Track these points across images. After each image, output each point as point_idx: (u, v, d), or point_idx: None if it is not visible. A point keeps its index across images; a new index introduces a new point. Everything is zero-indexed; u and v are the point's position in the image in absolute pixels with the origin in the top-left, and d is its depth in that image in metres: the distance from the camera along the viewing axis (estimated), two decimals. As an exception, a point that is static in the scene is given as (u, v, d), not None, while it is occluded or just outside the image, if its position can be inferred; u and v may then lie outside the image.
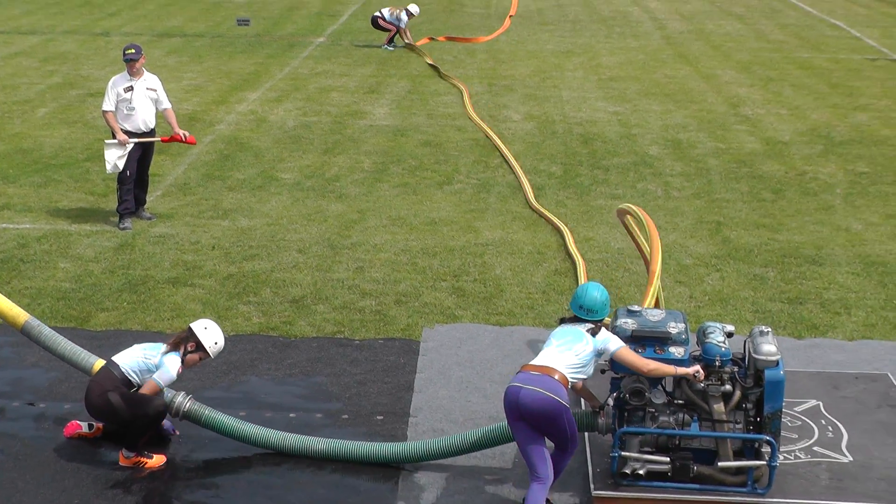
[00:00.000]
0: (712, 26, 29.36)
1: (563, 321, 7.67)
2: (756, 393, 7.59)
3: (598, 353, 7.46)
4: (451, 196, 14.41)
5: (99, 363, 8.34)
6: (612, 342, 7.42)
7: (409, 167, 15.68)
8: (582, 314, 7.55)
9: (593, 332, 7.44)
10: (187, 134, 13.15)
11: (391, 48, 25.09)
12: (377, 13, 25.58)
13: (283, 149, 16.58)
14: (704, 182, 15.12)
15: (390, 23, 25.08)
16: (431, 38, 26.36)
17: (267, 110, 19.03)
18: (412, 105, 19.58)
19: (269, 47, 25.39)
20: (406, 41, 25.14)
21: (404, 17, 24.98)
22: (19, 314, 8.57)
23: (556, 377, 7.21)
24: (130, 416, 7.83)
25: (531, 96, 20.44)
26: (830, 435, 8.35)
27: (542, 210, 13.65)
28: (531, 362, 7.39)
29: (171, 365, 7.94)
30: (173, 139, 13.15)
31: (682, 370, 7.44)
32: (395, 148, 16.71)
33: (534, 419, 7.16)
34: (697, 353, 7.67)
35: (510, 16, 29.85)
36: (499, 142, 16.68)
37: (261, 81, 21.47)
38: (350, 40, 26.26)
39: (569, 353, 7.36)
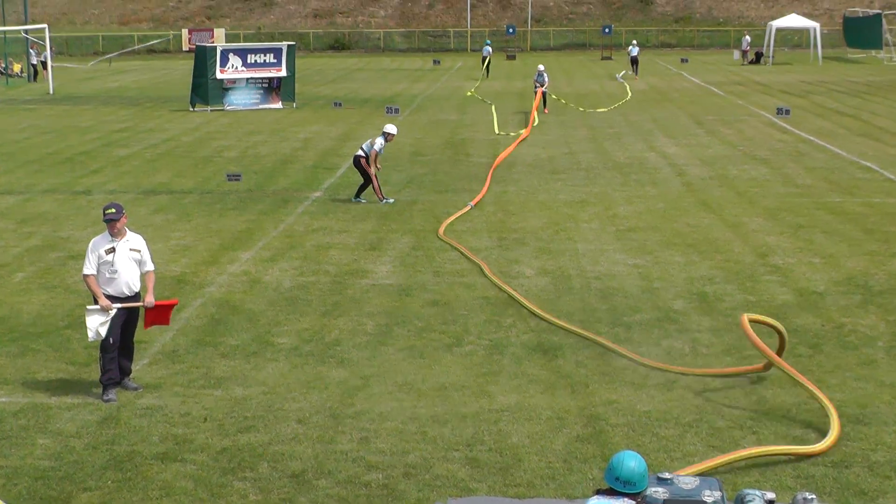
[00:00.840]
0: (735, 171, 29.79)
1: (598, 493, 7.63)
2: (803, 567, 7.51)
3: (635, 533, 7.44)
4: (461, 359, 14.44)
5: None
6: (648, 522, 7.43)
7: (416, 329, 15.75)
8: (619, 486, 7.51)
9: (636, 510, 7.42)
10: (153, 303, 13.25)
11: (391, 200, 25.41)
12: (359, 152, 25.63)
13: (278, 311, 16.69)
14: (735, 338, 15.15)
15: (366, 159, 25.22)
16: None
17: (261, 270, 19.21)
18: (417, 262, 19.76)
19: (262, 203, 25.76)
20: (375, 166, 25.33)
21: (380, 140, 25.32)
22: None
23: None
24: None
25: (544, 250, 20.64)
26: None
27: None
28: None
29: None
30: (153, 322, 13.39)
31: None
32: (399, 308, 16.81)
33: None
34: (737, 524, 7.62)
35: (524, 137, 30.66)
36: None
37: (254, 240, 21.73)
38: (348, 194, 26.61)
39: (606, 530, 7.33)
